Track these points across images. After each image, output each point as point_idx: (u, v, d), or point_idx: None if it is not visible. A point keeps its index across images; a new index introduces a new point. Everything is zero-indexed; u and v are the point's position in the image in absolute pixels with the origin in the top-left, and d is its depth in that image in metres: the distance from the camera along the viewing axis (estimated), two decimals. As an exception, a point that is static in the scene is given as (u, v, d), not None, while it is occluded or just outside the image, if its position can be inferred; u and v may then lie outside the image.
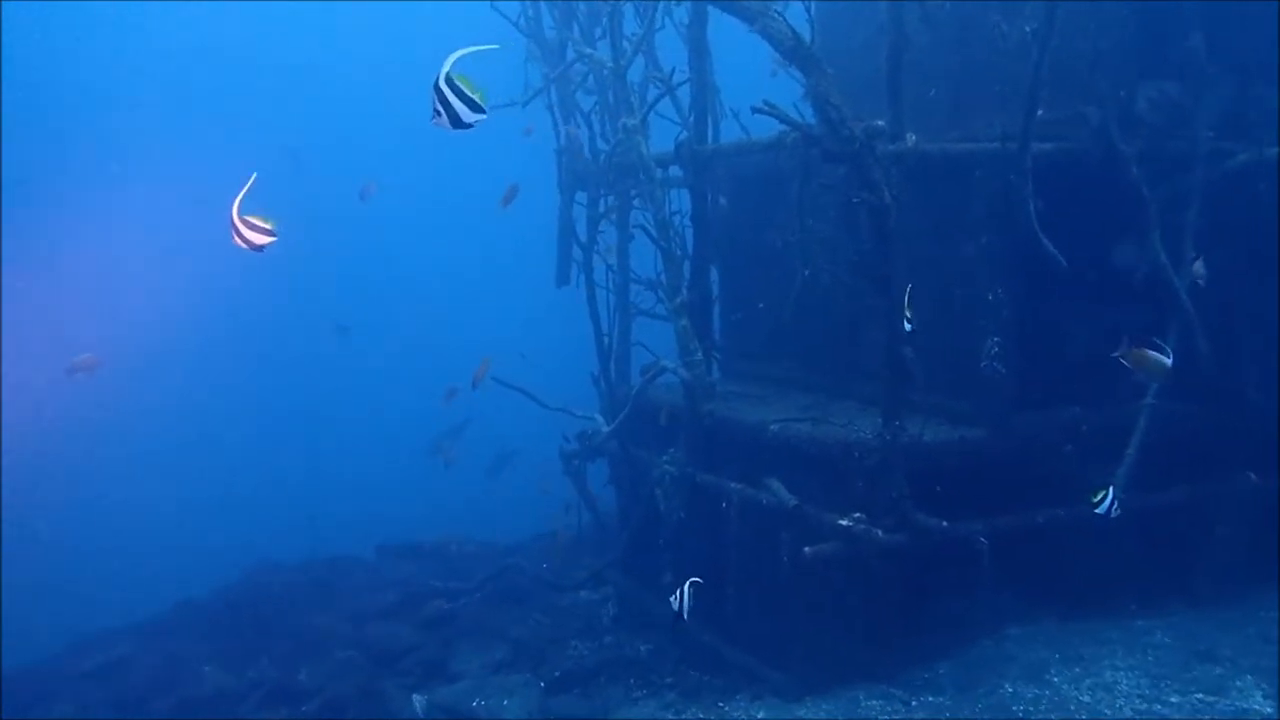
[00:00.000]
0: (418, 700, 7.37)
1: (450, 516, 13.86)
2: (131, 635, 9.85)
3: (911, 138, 6.43)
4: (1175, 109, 7.31)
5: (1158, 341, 6.19)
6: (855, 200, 6.16)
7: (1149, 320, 7.45)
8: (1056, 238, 6.70)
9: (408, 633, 8.95)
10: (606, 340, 9.40)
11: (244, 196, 4.88)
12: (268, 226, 4.99)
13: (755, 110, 6.34)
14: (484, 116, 4.23)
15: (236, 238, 4.95)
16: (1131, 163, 6.94)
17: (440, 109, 4.17)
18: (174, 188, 25.95)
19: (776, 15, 6.19)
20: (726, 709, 6.95)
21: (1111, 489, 6.48)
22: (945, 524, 6.55)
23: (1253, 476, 7.61)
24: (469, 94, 4.15)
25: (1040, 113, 6.74)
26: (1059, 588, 7.39)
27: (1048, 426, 7.23)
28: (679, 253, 8.07)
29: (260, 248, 5.01)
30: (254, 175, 4.92)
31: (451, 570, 10.97)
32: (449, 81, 4.11)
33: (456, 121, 4.20)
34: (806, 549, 6.48)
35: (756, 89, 7.08)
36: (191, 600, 10.80)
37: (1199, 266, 7.06)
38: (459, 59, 4.14)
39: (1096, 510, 6.95)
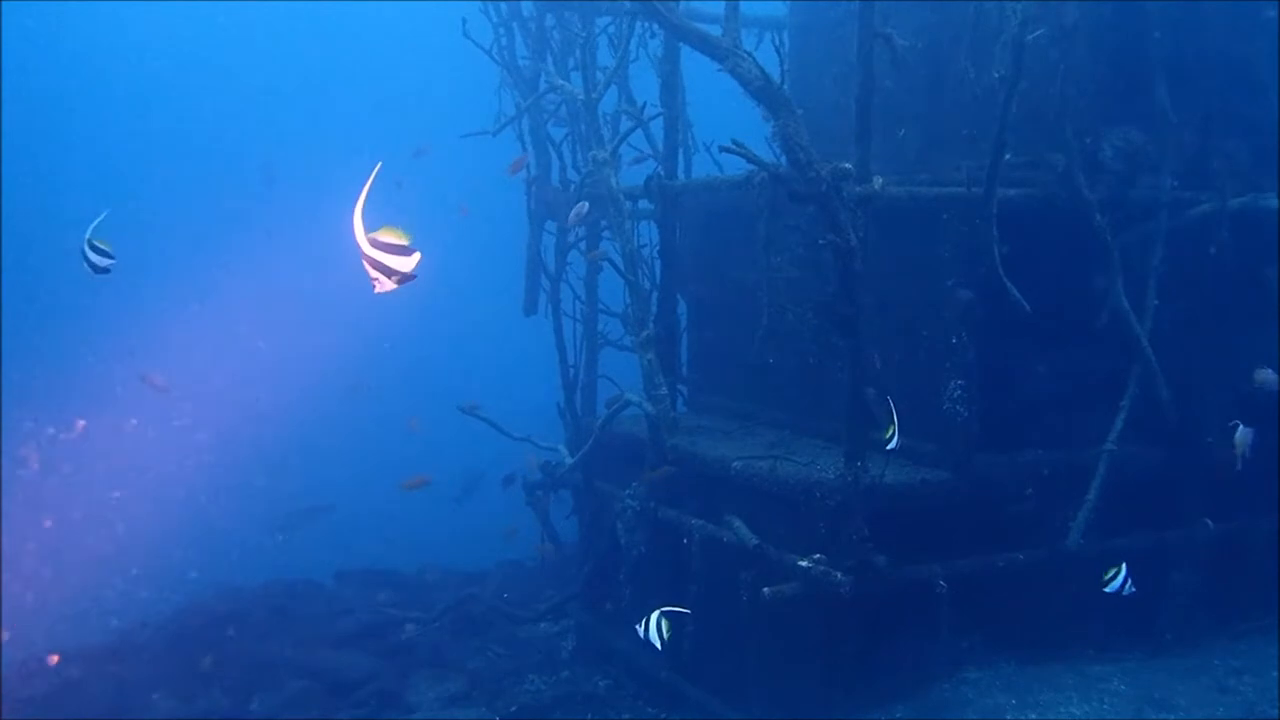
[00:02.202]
0: (364, 743, 7.28)
1: (418, 542, 13.78)
2: (82, 659, 9.66)
3: (879, 180, 6.44)
4: (1140, 156, 7.37)
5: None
6: (821, 242, 6.15)
7: (1111, 366, 7.52)
8: (1021, 282, 6.72)
9: (365, 662, 8.84)
10: (572, 371, 9.36)
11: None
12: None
13: (724, 150, 6.33)
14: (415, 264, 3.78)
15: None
16: (1095, 209, 6.99)
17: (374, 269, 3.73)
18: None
19: (746, 55, 6.19)
20: (680, 751, 6.90)
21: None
22: (904, 567, 6.51)
23: (1210, 523, 7.66)
24: (396, 243, 3.71)
25: (1008, 157, 6.80)
26: (1018, 631, 7.37)
27: (1009, 469, 7.24)
28: (647, 285, 8.04)
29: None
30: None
31: (413, 598, 10.88)
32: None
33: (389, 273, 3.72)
34: (765, 590, 6.44)
35: (731, 121, 7.10)
36: (147, 622, 10.65)
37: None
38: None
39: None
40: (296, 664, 8.76)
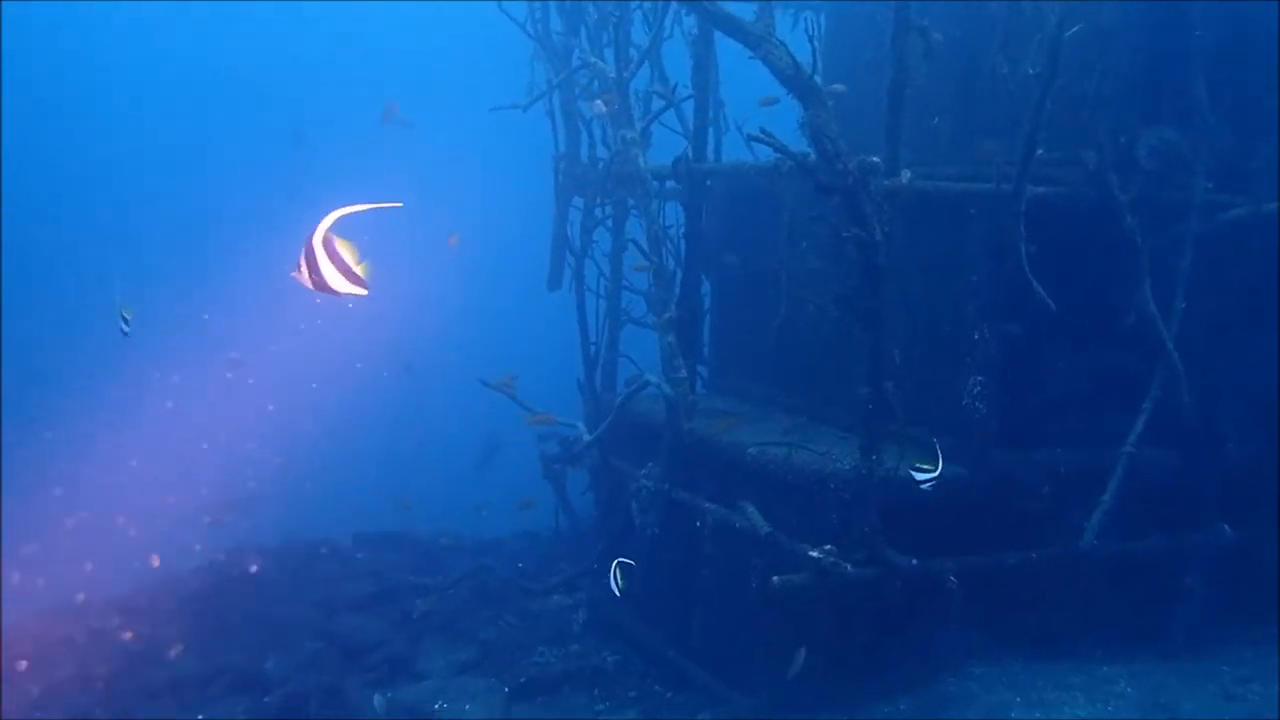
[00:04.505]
0: (378, 700, 7.37)
1: (438, 506, 13.90)
2: (111, 610, 9.84)
3: (906, 175, 6.40)
4: (1175, 157, 7.28)
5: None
6: (845, 235, 6.13)
7: (1134, 367, 7.47)
8: (1046, 280, 6.68)
9: (378, 627, 8.95)
10: (593, 348, 9.38)
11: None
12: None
13: (752, 138, 6.31)
14: (362, 292, 3.72)
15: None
16: (1126, 210, 6.92)
17: (305, 267, 3.66)
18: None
19: (778, 43, 6.15)
20: (686, 730, 6.98)
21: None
22: (915, 561, 6.53)
23: (1227, 529, 7.62)
24: (346, 261, 3.65)
25: (1039, 153, 6.74)
26: (1027, 629, 7.39)
27: (1026, 467, 7.23)
28: (671, 266, 8.04)
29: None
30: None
31: (429, 563, 10.99)
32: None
33: (321, 285, 3.66)
34: (775, 579, 6.47)
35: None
36: (174, 575, 10.83)
37: None
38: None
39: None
40: (312, 626, 8.89)
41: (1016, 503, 7.20)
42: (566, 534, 10.88)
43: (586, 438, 8.85)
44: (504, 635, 8.86)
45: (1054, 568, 7.19)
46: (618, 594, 8.26)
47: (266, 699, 7.68)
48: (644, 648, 8.33)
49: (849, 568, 6.39)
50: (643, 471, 8.14)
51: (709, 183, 8.23)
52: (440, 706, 7.62)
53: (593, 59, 8.40)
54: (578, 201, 9.49)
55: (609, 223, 9.20)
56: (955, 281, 7.01)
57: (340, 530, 11.97)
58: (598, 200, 8.94)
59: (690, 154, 7.94)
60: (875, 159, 6.10)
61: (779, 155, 6.57)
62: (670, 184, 8.51)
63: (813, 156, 6.33)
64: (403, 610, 9.40)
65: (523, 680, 7.95)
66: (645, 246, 7.85)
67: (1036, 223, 6.66)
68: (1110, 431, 7.38)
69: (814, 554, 6.51)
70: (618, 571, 6.99)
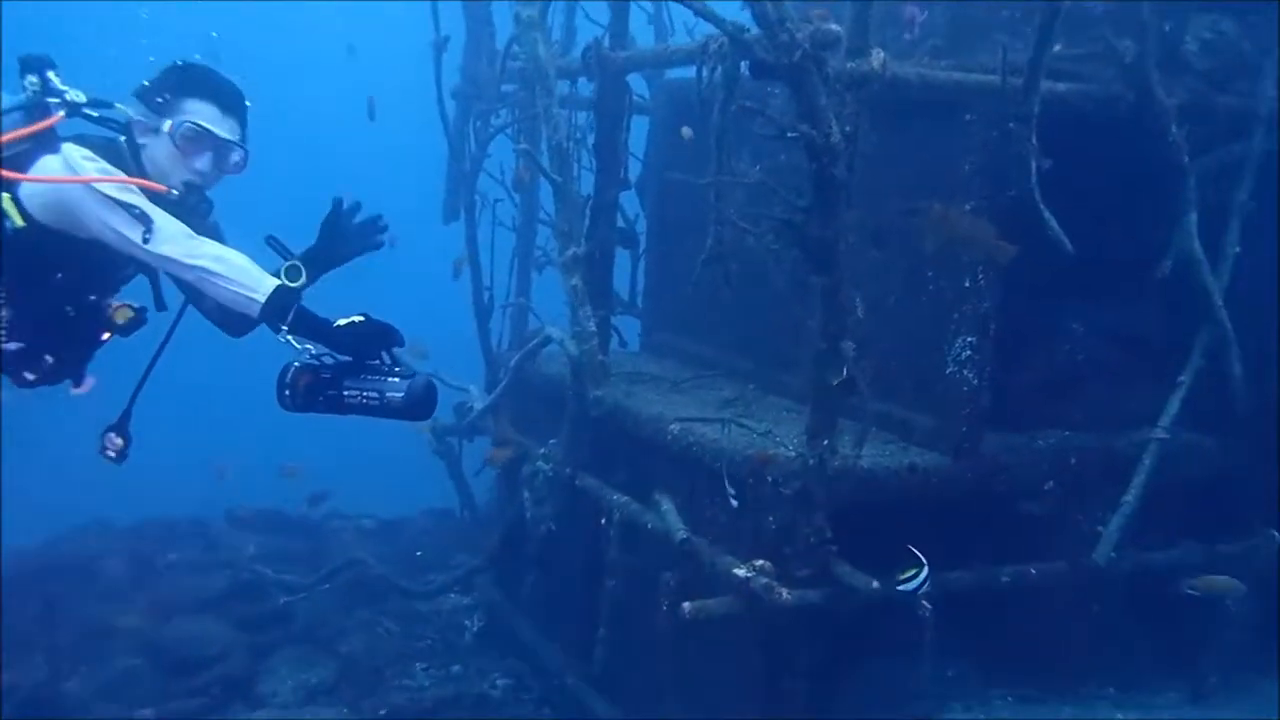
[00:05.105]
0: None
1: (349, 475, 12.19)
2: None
3: (879, 56, 4.66)
4: (1234, 54, 5.58)
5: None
6: (791, 135, 4.38)
7: (1170, 328, 5.81)
8: (1062, 211, 4.97)
9: (222, 634, 7.26)
10: (488, 293, 7.65)
11: None
12: None
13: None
14: None
15: None
16: (1171, 118, 5.20)
17: None
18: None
19: None
20: (569, 797, 5.35)
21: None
22: (877, 584, 4.85)
23: (1278, 536, 6.00)
24: None
25: (1059, 47, 5.02)
26: (1021, 660, 5.77)
27: (1026, 455, 5.58)
28: (583, 192, 6.29)
29: None
30: None
31: (313, 548, 9.29)
32: None
33: None
34: (686, 605, 4.80)
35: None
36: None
37: None
38: None
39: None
40: (138, 633, 7.19)
41: (1012, 502, 5.55)
42: (483, 517, 9.19)
43: (478, 404, 7.15)
44: (375, 648, 7.19)
45: (1058, 585, 5.57)
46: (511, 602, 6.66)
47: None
48: (541, 669, 6.69)
49: (785, 594, 4.71)
50: (541, 451, 6.45)
51: (650, 83, 6.48)
52: (266, 749, 5.97)
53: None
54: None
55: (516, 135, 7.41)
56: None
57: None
58: (496, 106, 7.17)
59: (607, 41, 6.15)
60: (835, 28, 4.35)
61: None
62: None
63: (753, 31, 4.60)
64: (260, 612, 7.73)
65: (383, 712, 6.28)
66: (545, 165, 6.11)
67: (1053, 132, 4.91)
68: (1136, 411, 5.73)
69: (741, 573, 4.83)
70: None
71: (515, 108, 7.16)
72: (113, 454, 4.41)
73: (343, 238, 4.06)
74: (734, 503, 4.86)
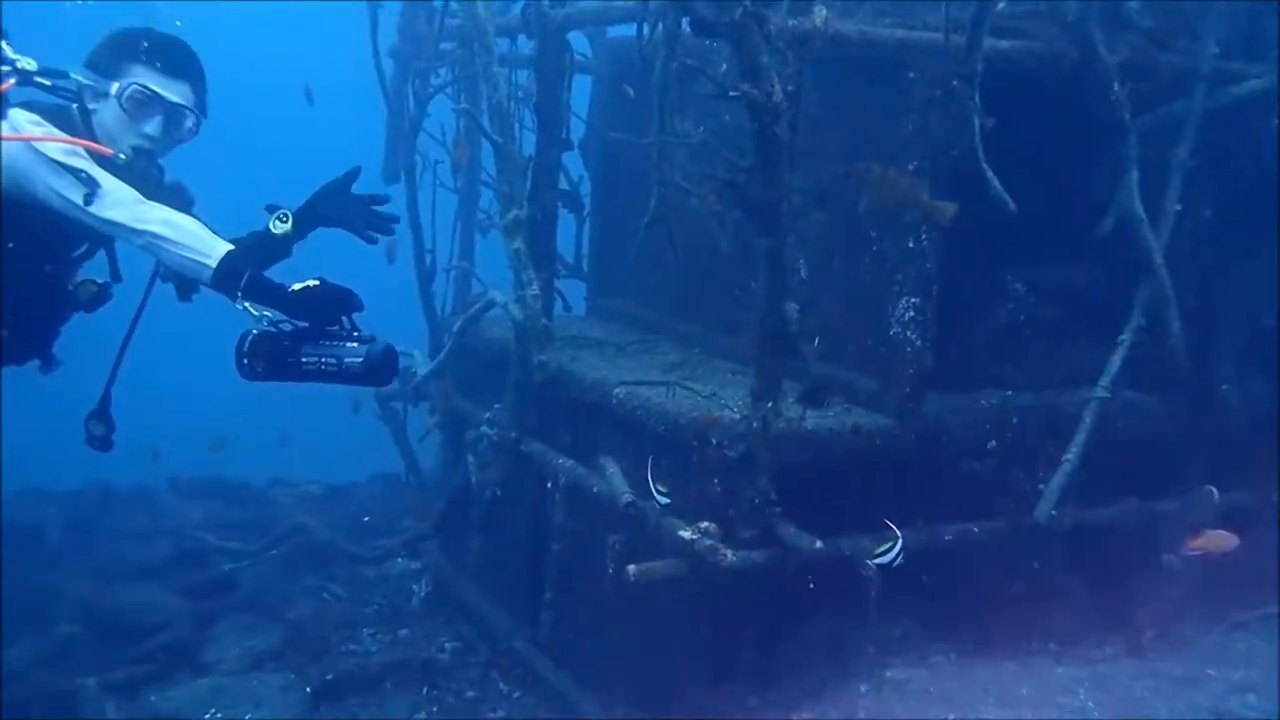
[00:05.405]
0: (112, 711, 5.61)
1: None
2: None
3: (822, 12, 4.59)
4: (1176, 13, 5.58)
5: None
6: (733, 94, 4.32)
7: (1111, 287, 5.84)
8: (1005, 170, 4.96)
9: (165, 602, 7.14)
10: (430, 255, 7.53)
11: None
12: None
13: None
14: None
15: None
16: (1114, 76, 5.20)
17: None
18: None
19: None
20: (513, 758, 5.36)
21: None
22: (820, 544, 4.86)
23: (1215, 493, 6.08)
24: None
25: (1002, 4, 4.99)
26: (963, 618, 5.81)
27: (969, 415, 5.61)
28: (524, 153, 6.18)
29: None
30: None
31: (258, 516, 9.17)
32: None
33: None
34: (631, 567, 4.79)
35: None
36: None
37: None
38: None
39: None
40: (81, 600, 7.05)
41: (955, 462, 5.58)
42: (429, 482, 9.11)
43: (422, 370, 7.06)
44: (322, 614, 7.12)
45: (1000, 544, 5.62)
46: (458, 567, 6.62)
47: (-22, 704, 5.87)
48: (489, 633, 6.66)
49: (730, 555, 4.71)
50: (486, 415, 6.39)
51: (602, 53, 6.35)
52: (211, 716, 5.89)
53: None
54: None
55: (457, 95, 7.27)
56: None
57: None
58: (435, 64, 7.03)
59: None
60: (777, -16, 4.29)
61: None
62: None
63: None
64: (204, 579, 7.63)
65: (330, 677, 6.22)
66: (485, 126, 6.00)
67: (995, 91, 4.89)
68: (1078, 370, 5.78)
69: (686, 534, 4.82)
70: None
71: (454, 66, 7.01)
72: (97, 440, 4.35)
73: (341, 201, 4.02)
74: (663, 500, 4.81)
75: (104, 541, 8.24)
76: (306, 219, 4.04)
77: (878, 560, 4.74)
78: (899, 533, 4.81)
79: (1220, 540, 5.54)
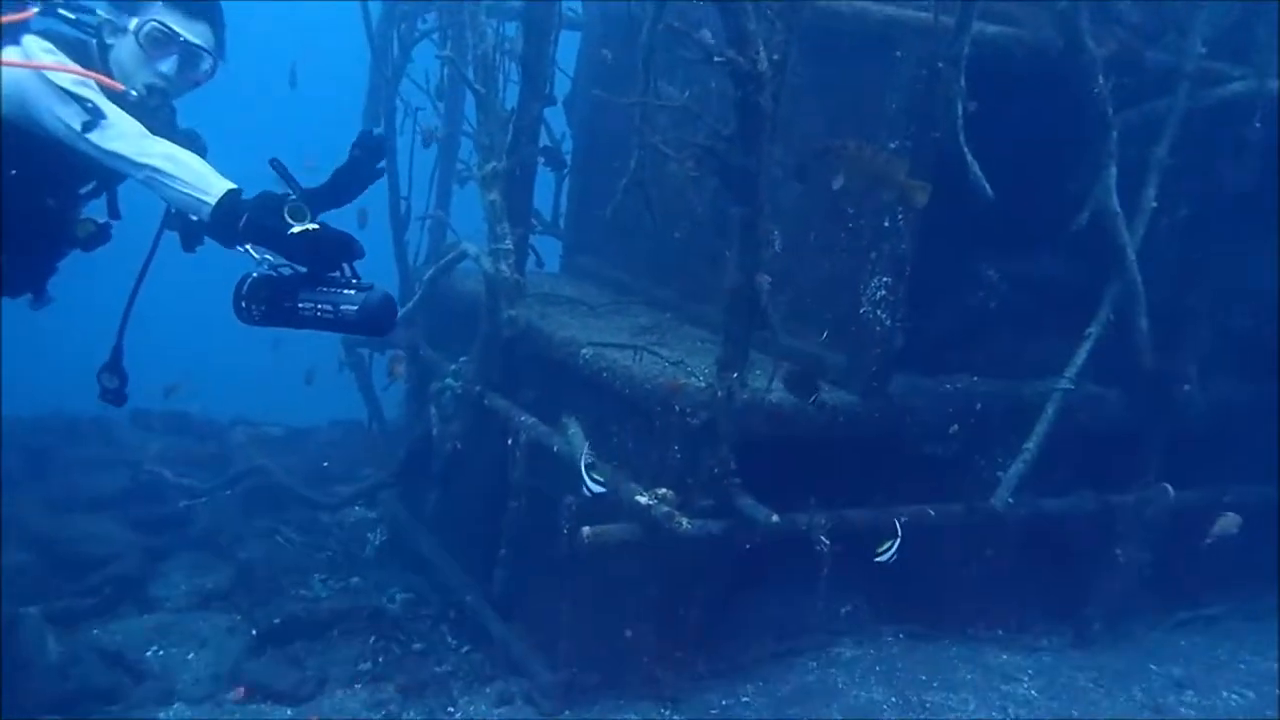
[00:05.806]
0: (53, 644, 5.57)
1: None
2: None
3: (812, -18, 4.55)
4: (1165, 11, 5.56)
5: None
6: (718, 60, 4.27)
7: (1082, 280, 5.85)
8: (985, 156, 4.94)
9: (117, 534, 7.06)
10: (405, 203, 7.45)
11: None
12: None
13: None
14: None
15: None
16: (1099, 69, 5.18)
17: None
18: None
19: None
20: (454, 713, 5.34)
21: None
22: (777, 517, 4.86)
23: (1170, 490, 6.15)
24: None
25: (994, -10, 4.96)
26: (912, 600, 5.88)
27: (934, 398, 5.61)
28: (503, 106, 6.10)
29: None
30: None
31: (217, 455, 9.09)
32: None
33: None
34: (585, 529, 4.78)
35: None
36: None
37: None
38: None
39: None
40: (31, 529, 6.96)
41: (917, 444, 5.61)
42: (392, 431, 9.05)
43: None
44: (274, 557, 7.07)
45: (953, 530, 5.65)
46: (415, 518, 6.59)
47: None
48: (440, 586, 6.64)
49: (685, 523, 4.71)
50: (451, 367, 6.35)
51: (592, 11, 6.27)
52: (153, 653, 5.86)
53: None
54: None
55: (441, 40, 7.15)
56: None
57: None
58: (421, 9, 6.92)
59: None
60: (769, -50, 4.23)
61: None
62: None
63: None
64: (156, 515, 7.56)
65: (277, 621, 6.18)
66: (469, 76, 5.91)
67: (980, 76, 4.87)
68: (1044, 360, 5.79)
69: (643, 500, 4.82)
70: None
71: (442, 13, 6.90)
72: (110, 394, 4.27)
73: (358, 177, 3.91)
74: (597, 489, 4.78)
75: (60, 470, 8.13)
76: (319, 203, 3.77)
77: (878, 560, 4.75)
78: (899, 531, 4.82)
79: (1228, 523, 5.68)
